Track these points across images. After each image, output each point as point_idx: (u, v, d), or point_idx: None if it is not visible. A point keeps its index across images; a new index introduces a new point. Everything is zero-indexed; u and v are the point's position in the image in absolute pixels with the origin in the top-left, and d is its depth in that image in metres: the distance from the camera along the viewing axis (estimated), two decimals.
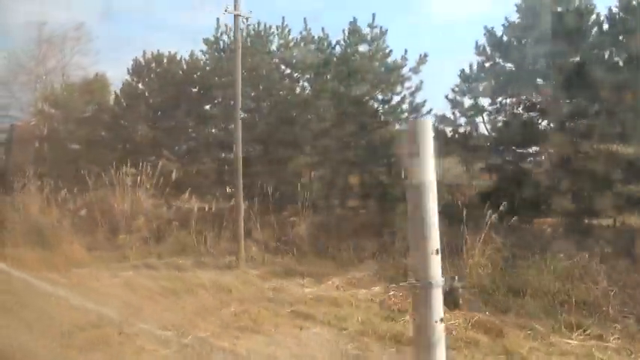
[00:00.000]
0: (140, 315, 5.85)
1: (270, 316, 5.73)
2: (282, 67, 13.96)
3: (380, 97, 12.56)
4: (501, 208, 7.97)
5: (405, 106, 12.39)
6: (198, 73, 14.84)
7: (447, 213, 9.77)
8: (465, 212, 8.71)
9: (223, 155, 14.36)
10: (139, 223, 10.35)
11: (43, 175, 14.29)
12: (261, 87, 13.88)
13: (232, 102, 14.46)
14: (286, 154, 12.31)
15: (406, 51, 12.46)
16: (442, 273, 1.71)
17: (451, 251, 7.84)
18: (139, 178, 10.88)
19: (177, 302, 6.36)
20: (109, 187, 11.39)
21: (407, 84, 12.77)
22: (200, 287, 6.88)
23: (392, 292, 6.69)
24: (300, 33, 13.27)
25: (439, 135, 11.50)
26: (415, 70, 12.86)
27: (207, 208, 9.79)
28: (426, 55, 12.80)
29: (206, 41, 14.10)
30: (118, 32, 28.96)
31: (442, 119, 11.54)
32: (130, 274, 7.84)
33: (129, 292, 6.86)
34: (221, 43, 14.15)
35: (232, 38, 14.07)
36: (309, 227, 9.11)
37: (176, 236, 9.89)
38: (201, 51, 14.28)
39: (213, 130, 15.00)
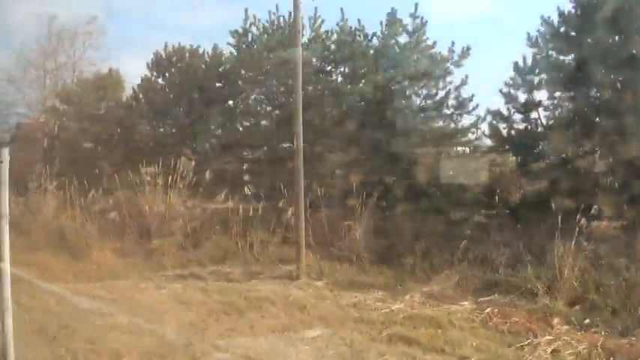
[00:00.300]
0: (209, 339, 4.82)
1: (366, 341, 4.72)
2: (314, 60, 12.94)
3: (424, 91, 11.59)
4: (593, 211, 7.03)
5: (450, 102, 11.46)
6: (226, 66, 13.79)
7: (518, 218, 8.88)
8: (541, 216, 7.85)
9: (252, 154, 13.35)
10: (172, 226, 9.30)
11: (57, 175, 13.07)
12: (291, 82, 12.84)
13: (258, 95, 13.64)
14: (325, 151, 11.29)
15: (453, 43, 11.54)
16: None
17: (537, 260, 6.90)
18: (170, 177, 9.80)
19: (245, 322, 5.34)
20: (135, 187, 10.34)
21: (448, 78, 11.94)
22: (266, 302, 5.86)
23: (488, 309, 5.70)
24: (337, 24, 12.28)
25: (495, 132, 10.58)
26: (457, 64, 11.97)
27: (250, 210, 8.72)
28: (468, 49, 11.89)
29: (234, 33, 13.04)
30: (116, 32, 27.92)
31: (495, 115, 10.58)
32: (177, 285, 6.80)
33: (183, 309, 5.82)
34: (250, 35, 13.10)
35: (261, 30, 13.14)
36: (365, 231, 8.11)
37: (215, 241, 8.85)
38: (229, 43, 13.20)
39: (239, 127, 13.96)
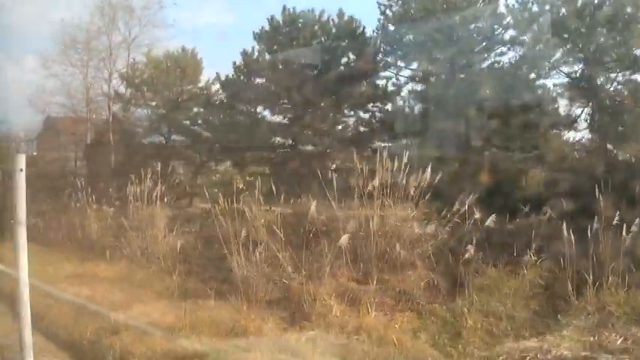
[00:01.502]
0: None
1: None
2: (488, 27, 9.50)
3: None
4: None
5: None
6: (363, 35, 10.24)
7: None
8: None
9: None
10: (404, 252, 5.82)
11: (142, 179, 8.84)
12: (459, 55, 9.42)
13: (417, 71, 10.13)
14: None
15: None
16: None
17: None
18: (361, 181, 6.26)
19: None
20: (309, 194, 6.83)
21: None
22: None
23: None
24: None
25: None
26: None
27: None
28: None
29: None
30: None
31: None
32: None
33: None
34: None
35: None
36: None
37: (492, 278, 5.40)
38: (378, 3, 9.62)
39: (378, 113, 10.48)
